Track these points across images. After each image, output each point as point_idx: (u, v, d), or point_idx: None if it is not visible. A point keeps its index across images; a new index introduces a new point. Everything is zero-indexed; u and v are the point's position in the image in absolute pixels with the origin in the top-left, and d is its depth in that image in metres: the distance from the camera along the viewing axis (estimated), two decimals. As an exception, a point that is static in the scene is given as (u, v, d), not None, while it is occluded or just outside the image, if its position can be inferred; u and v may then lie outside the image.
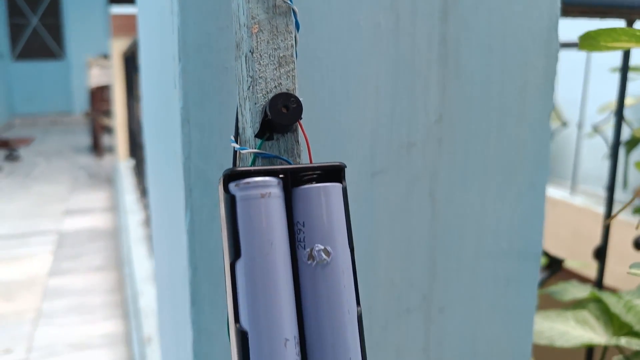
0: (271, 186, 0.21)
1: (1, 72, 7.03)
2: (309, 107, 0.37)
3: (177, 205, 0.38)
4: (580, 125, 2.51)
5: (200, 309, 0.36)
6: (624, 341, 0.71)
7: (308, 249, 0.21)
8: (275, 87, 0.25)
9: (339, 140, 0.39)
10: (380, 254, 0.41)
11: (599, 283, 0.88)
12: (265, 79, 0.25)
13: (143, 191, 2.49)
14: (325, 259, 0.21)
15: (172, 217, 0.42)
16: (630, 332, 0.72)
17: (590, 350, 0.84)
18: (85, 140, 5.63)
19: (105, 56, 5.47)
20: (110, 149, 4.85)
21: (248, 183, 0.21)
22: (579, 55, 2.35)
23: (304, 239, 0.21)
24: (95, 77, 4.87)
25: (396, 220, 0.41)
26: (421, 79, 0.40)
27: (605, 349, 0.77)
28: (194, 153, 0.35)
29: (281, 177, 0.22)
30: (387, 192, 0.40)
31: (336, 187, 0.22)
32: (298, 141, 0.25)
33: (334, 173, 0.22)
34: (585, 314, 0.77)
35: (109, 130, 4.92)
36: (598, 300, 0.78)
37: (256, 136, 0.23)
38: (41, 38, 7.51)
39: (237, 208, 0.21)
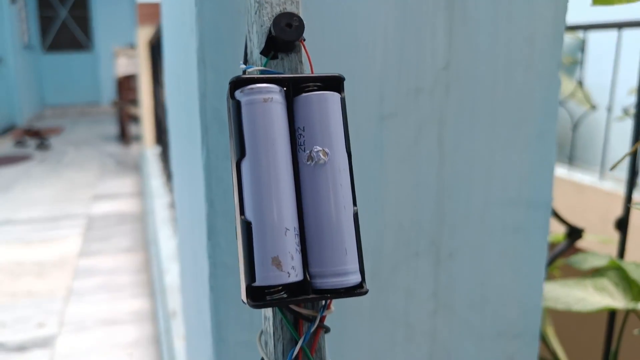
0: (273, 92, 0.23)
1: (32, 64, 7.19)
2: (318, 52, 0.39)
3: (194, 144, 0.40)
4: (609, 109, 2.47)
5: (216, 243, 0.38)
6: (640, 305, 0.71)
7: (308, 151, 0.23)
8: (280, 11, 0.26)
9: (348, 84, 0.40)
10: (389, 197, 0.42)
11: (620, 254, 0.88)
12: (271, 3, 0.26)
13: (169, 176, 2.54)
14: (323, 159, 0.23)
15: (190, 157, 0.44)
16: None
17: (612, 317, 0.84)
18: (113, 129, 5.74)
19: (132, 46, 5.56)
20: (137, 138, 4.94)
21: (252, 89, 0.22)
22: (609, 39, 2.31)
23: (304, 143, 0.23)
24: (122, 66, 4.96)
25: (404, 164, 0.42)
26: (428, 25, 0.41)
27: (627, 315, 0.77)
28: (210, 93, 0.37)
29: (284, 89, 0.23)
30: (396, 136, 0.42)
31: (335, 95, 0.23)
32: (301, 61, 0.26)
33: (334, 84, 0.24)
34: (604, 281, 0.77)
35: (135, 119, 5.01)
36: (618, 267, 0.78)
37: (261, 53, 0.25)
38: (70, 30, 7.67)
39: (242, 112, 0.22)
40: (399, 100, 0.41)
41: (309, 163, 0.23)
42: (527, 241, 0.48)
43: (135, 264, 2.21)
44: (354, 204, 0.23)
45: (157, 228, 2.05)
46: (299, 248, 0.22)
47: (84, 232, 2.61)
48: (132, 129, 5.24)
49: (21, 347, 1.60)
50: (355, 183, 0.42)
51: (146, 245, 2.38)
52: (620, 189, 2.29)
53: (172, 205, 2.26)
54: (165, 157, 2.88)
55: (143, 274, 2.11)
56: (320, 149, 0.23)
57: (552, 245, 0.90)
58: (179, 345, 1.21)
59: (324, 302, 0.24)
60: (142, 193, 3.19)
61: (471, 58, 0.43)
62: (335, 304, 0.42)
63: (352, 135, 0.41)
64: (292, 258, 0.22)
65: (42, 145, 4.93)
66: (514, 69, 0.45)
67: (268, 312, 0.24)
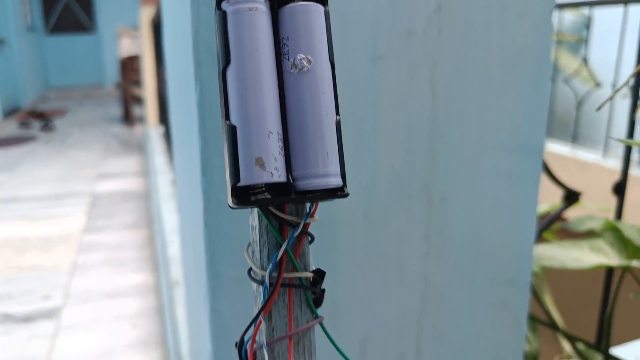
0: (258, 2, 0.23)
1: (35, 46, 7.19)
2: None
3: (188, 81, 0.40)
4: (614, 86, 2.45)
5: (210, 179, 0.39)
6: (635, 263, 0.71)
7: (291, 59, 0.23)
8: None
9: (340, 24, 0.40)
10: (381, 139, 0.43)
11: (617, 217, 0.88)
12: None
13: (172, 155, 2.56)
14: (306, 66, 0.23)
15: (185, 96, 0.44)
16: (642, 255, 0.72)
17: (608, 277, 0.85)
18: (117, 111, 5.75)
19: (135, 27, 5.54)
20: (141, 119, 4.94)
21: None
22: (614, 16, 2.28)
23: (288, 52, 0.24)
24: (126, 47, 4.95)
25: (397, 106, 0.43)
26: (421, -35, 0.41)
27: (622, 276, 0.78)
28: (203, 28, 0.37)
29: (269, 1, 0.24)
30: (388, 78, 0.42)
31: (319, 7, 0.24)
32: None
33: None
34: (599, 242, 0.78)
35: (139, 100, 5.01)
36: (613, 228, 0.79)
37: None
38: (73, 12, 7.64)
39: (228, 21, 0.23)
40: (391, 42, 0.42)
41: (292, 70, 0.23)
42: (519, 188, 0.48)
43: (139, 240, 2.23)
44: (337, 113, 0.24)
45: (160, 204, 2.06)
46: (282, 152, 0.23)
47: (89, 210, 2.63)
48: (136, 110, 5.25)
49: (27, 318, 1.63)
50: (349, 123, 0.42)
51: (150, 221, 2.40)
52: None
53: (176, 182, 2.28)
54: (168, 136, 2.89)
55: (146, 249, 2.13)
56: (304, 56, 0.23)
57: (547, 215, 0.90)
58: (182, 312, 1.23)
59: (308, 209, 0.25)
60: (145, 172, 3.20)
61: (464, 1, 0.43)
62: (330, 240, 0.43)
63: (345, 77, 0.41)
64: (275, 160, 0.22)
65: (47, 126, 4.95)
66: (508, 13, 0.45)
67: (254, 220, 0.25)
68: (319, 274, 0.25)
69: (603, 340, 0.84)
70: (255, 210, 0.25)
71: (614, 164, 2.33)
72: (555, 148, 2.57)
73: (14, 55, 6.18)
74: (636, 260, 0.72)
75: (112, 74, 7.53)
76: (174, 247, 1.61)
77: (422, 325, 0.48)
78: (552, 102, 2.76)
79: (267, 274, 0.24)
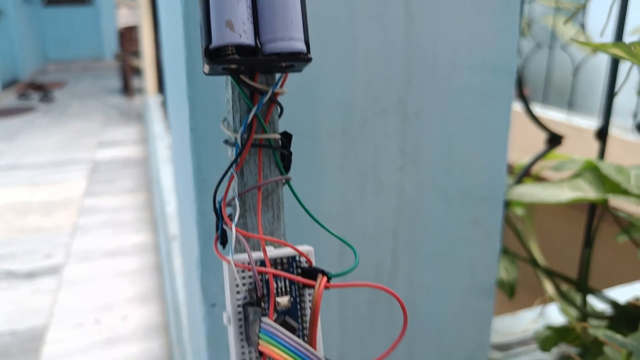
0: None
1: (33, 18, 7.13)
2: None
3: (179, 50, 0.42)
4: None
5: (195, 87, 0.41)
6: (612, 197, 0.74)
7: None
8: None
9: (318, -61, 0.42)
10: (358, 52, 0.45)
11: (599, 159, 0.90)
12: None
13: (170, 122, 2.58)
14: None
15: (171, 10, 0.47)
16: (620, 190, 0.75)
17: (591, 214, 0.87)
18: (116, 83, 5.74)
19: (133, -2, 5.49)
20: (140, 90, 4.94)
21: None
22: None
23: None
24: (124, 17, 4.92)
25: (373, 21, 0.45)
26: None
27: (602, 212, 0.81)
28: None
29: None
30: (364, -6, 0.44)
31: None
32: None
33: None
34: (579, 181, 0.81)
35: (138, 71, 5.00)
36: (593, 167, 0.81)
37: None
38: (70, -17, 7.57)
39: None
40: (367, -42, 0.44)
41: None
42: (492, 107, 0.51)
43: (138, 203, 2.26)
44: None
45: (159, 167, 2.09)
46: (250, 19, 0.25)
47: (89, 175, 2.66)
48: (135, 81, 5.24)
49: (30, 275, 1.67)
50: (327, 37, 0.44)
51: (148, 186, 2.43)
52: (619, 133, 2.30)
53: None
54: (166, 103, 2.91)
55: (146, 212, 2.16)
56: None
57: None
58: (179, 263, 1.27)
59: (277, 79, 0.27)
60: (144, 140, 3.23)
61: None
62: (311, 152, 0.46)
63: (323, -8, 0.44)
64: (244, 24, 0.25)
65: (46, 97, 4.95)
66: None
67: (228, 92, 0.28)
68: (287, 137, 0.28)
69: (582, 279, 0.87)
70: (229, 81, 0.28)
71: (610, 130, 2.35)
72: (552, 115, 2.59)
73: (11, 26, 6.15)
74: (612, 195, 0.75)
75: (110, 46, 7.49)
76: (171, 206, 1.64)
77: (397, 237, 0.51)
78: (549, 69, 2.76)
79: (239, 135, 0.27)
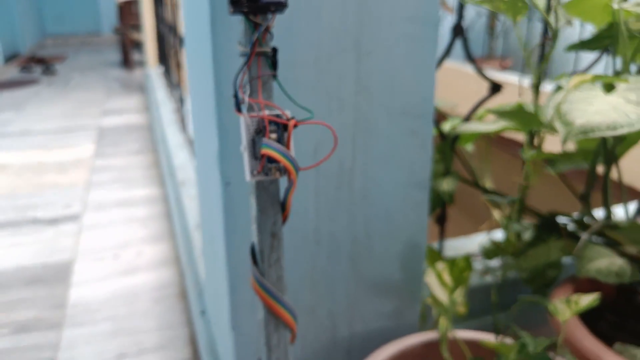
0: None
1: (31, -7, 7.23)
2: None
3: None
4: (583, 25, 2.64)
5: (217, 31, 0.61)
6: (532, 127, 0.95)
7: None
8: None
9: None
10: (324, 7, 0.65)
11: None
12: None
13: (172, 89, 2.76)
14: None
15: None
16: (538, 123, 0.96)
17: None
18: (115, 56, 5.89)
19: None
20: (140, 63, 5.11)
21: None
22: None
23: None
24: (123, -9, 5.05)
25: (335, -13, 0.65)
26: None
27: (529, 144, 1.02)
28: None
29: None
30: (328, -33, 0.64)
31: None
32: None
33: None
34: (507, 119, 1.01)
35: (138, 44, 5.16)
36: (520, 106, 1.02)
37: None
38: (67, -42, 7.64)
39: None
40: (330, -58, 0.64)
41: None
42: (422, 49, 0.71)
43: (145, 163, 2.47)
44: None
45: (164, 128, 2.29)
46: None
47: (97, 140, 2.86)
48: (135, 55, 5.40)
49: (53, 221, 1.88)
50: (302, -3, 0.64)
51: (154, 146, 2.63)
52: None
53: (177, 111, 2.50)
54: (167, 73, 3.09)
55: (152, 170, 2.37)
56: None
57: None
58: (188, 203, 1.48)
59: (269, 18, 0.48)
60: (147, 108, 3.41)
61: None
62: (292, 78, 0.66)
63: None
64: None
65: (48, 70, 5.11)
66: None
67: (242, 26, 0.48)
68: (274, 51, 0.48)
69: (520, 200, 1.09)
70: (243, 19, 0.48)
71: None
72: (528, 82, 2.78)
73: (11, 0, 6.25)
74: (532, 126, 0.95)
75: (108, 21, 7.60)
76: (178, 159, 1.85)
77: (355, 142, 0.72)
78: (527, 40, 2.95)
79: (248, 48, 0.47)
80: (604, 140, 0.91)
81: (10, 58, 5.96)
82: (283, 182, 0.43)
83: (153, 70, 3.72)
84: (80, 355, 1.20)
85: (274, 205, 0.47)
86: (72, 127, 3.12)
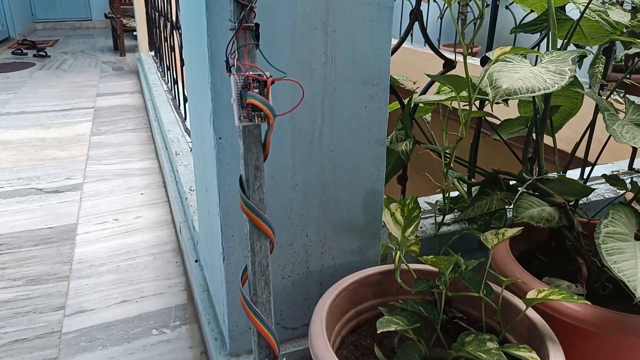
0: None
1: (21, -23, 7.26)
2: None
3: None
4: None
5: (212, 13, 0.77)
6: (464, 94, 1.12)
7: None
8: None
9: None
10: (298, -5, 0.81)
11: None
12: None
13: (163, 72, 2.90)
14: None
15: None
16: (480, 92, 1.13)
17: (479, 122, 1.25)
18: (107, 42, 5.99)
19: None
20: (131, 49, 5.22)
21: None
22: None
23: None
24: (115, -24, 5.13)
25: (306, -23, 0.81)
26: None
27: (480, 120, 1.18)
28: None
29: None
30: (301, -39, 0.80)
31: None
32: None
33: None
34: (453, 94, 1.18)
35: (129, 30, 5.26)
36: (461, 76, 1.18)
37: None
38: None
39: None
40: (302, -59, 0.79)
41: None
42: (378, 28, 0.87)
43: (141, 139, 2.62)
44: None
45: (158, 106, 2.44)
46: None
47: (93, 119, 2.99)
48: (126, 40, 5.50)
49: (56, 191, 2.03)
50: (280, -15, 0.80)
51: (149, 124, 2.78)
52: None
53: (169, 91, 2.64)
54: (159, 57, 3.22)
55: (148, 145, 2.52)
56: None
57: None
58: (183, 170, 1.64)
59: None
60: (140, 90, 3.55)
61: None
62: (273, 51, 0.82)
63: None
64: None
65: (40, 54, 5.20)
66: None
67: (231, 6, 0.64)
68: (257, 26, 0.64)
69: (470, 161, 1.26)
70: (232, 0, 0.64)
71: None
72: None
73: (2, -15, 6.30)
74: (474, 95, 1.12)
75: (97, 7, 7.66)
76: (172, 134, 2.00)
77: (324, 104, 0.88)
78: (491, 26, 3.12)
79: (236, 24, 0.63)
80: (536, 107, 1.08)
81: (1, 42, 6.04)
82: (266, 134, 0.59)
83: (145, 54, 3.85)
84: (87, 301, 1.36)
85: (256, 145, 0.63)
86: (68, 108, 3.25)
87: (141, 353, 1.16)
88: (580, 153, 1.41)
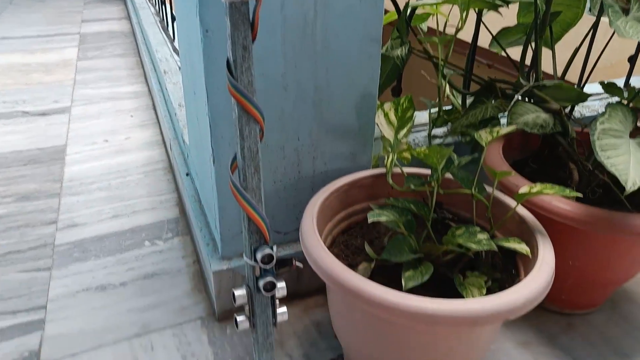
0: None
1: None
2: None
3: None
4: None
5: None
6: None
7: None
8: None
9: None
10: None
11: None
12: None
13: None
14: None
15: None
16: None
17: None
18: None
19: None
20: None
21: None
22: None
23: None
24: None
25: None
26: None
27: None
28: None
29: None
30: None
31: None
32: None
33: None
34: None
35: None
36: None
37: None
38: None
39: None
40: None
41: None
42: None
43: (129, 64, 2.55)
44: None
45: (146, 29, 2.36)
46: None
47: (79, 45, 2.91)
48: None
49: (43, 113, 1.99)
50: None
51: (136, 50, 2.70)
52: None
53: (157, 14, 2.55)
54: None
55: (137, 70, 2.46)
56: None
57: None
58: (172, 87, 1.60)
59: None
60: (126, 16, 3.43)
61: None
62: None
63: None
64: None
65: (22, -19, 4.99)
66: None
67: None
68: None
69: (465, 71, 1.23)
70: None
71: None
72: None
73: None
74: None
75: None
76: (160, 53, 1.95)
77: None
78: None
79: None
80: (537, 11, 1.04)
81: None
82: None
83: (131, -22, 3.70)
84: (79, 216, 1.36)
85: (244, 23, 0.60)
86: (53, 33, 3.14)
87: (134, 262, 1.17)
88: (576, 73, 1.38)
